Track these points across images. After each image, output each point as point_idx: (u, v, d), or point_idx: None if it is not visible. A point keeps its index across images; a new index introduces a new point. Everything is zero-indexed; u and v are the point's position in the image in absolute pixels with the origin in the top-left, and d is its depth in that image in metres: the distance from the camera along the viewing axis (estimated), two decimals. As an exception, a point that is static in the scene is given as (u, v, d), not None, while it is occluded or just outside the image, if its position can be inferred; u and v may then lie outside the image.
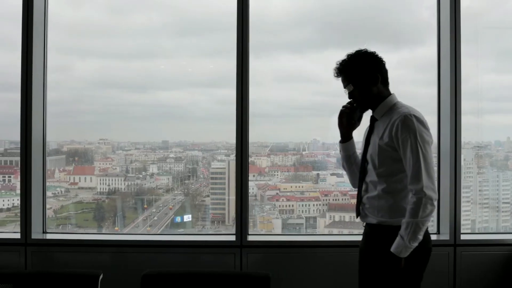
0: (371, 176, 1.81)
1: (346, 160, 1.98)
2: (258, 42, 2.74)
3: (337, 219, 3.17)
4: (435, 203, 1.67)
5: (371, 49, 1.85)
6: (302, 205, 3.20)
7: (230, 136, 3.30)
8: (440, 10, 2.81)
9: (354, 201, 3.18)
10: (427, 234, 1.77)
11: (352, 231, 3.13)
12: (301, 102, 3.20)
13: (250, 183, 3.11)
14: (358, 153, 1.99)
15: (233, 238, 2.68)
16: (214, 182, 3.30)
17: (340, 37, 3.14)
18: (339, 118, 1.92)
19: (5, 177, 3.24)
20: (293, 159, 3.34)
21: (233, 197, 3.23)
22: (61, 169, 3.23)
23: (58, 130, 2.93)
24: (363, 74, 1.79)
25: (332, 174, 3.31)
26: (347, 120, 1.91)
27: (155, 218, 3.22)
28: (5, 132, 3.30)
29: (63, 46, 2.98)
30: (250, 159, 2.81)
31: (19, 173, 3.09)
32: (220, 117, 3.20)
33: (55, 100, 2.89)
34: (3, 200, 3.18)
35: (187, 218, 3.24)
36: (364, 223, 1.89)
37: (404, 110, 1.74)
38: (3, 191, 3.21)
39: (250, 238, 2.69)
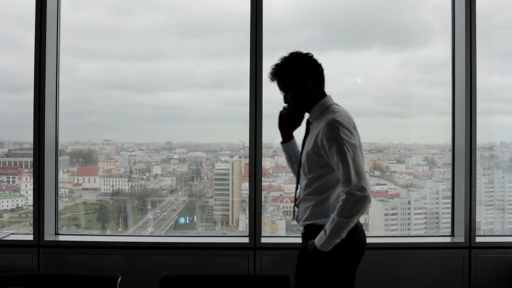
0: (303, 180, 1.84)
1: (288, 160, 2.01)
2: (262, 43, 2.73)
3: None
4: (366, 202, 1.65)
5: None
6: (306, 206, 3.19)
7: (234, 137, 3.31)
8: (455, 10, 2.81)
9: (358, 202, 3.20)
10: (359, 235, 1.78)
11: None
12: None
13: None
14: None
15: (246, 240, 2.68)
16: (218, 183, 3.29)
17: (342, 38, 3.14)
18: (279, 119, 1.95)
19: (9, 178, 3.25)
20: (297, 160, 3.32)
21: (237, 199, 3.23)
22: (65, 170, 3.23)
23: (62, 131, 2.93)
24: (293, 78, 1.80)
25: (336, 175, 3.29)
26: (287, 121, 1.93)
27: (162, 218, 3.22)
28: (9, 133, 3.32)
29: (67, 47, 2.99)
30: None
31: (23, 174, 3.09)
32: (225, 118, 3.21)
33: (60, 100, 2.89)
34: (7, 201, 3.19)
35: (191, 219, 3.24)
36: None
37: (330, 116, 1.73)
38: (7, 192, 3.22)
39: (263, 240, 2.68)
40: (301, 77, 1.79)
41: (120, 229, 3.15)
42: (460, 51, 2.76)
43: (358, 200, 1.63)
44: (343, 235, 1.66)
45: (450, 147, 2.93)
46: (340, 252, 1.70)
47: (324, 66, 1.86)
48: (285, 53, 1.86)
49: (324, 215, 1.73)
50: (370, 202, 1.69)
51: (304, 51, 1.83)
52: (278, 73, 1.82)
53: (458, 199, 2.74)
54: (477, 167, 2.74)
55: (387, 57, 3.15)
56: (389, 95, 3.22)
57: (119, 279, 1.58)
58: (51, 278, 1.65)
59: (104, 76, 3.21)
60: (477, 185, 2.83)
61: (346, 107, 1.88)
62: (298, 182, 1.89)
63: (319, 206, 1.76)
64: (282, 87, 1.84)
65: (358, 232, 1.78)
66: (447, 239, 2.82)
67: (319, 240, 1.68)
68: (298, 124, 1.94)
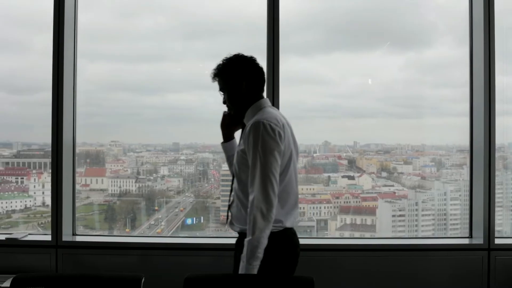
0: (235, 182, 1.81)
1: (227, 161, 2.01)
2: (265, 45, 2.73)
3: (348, 221, 3.15)
4: (268, 215, 1.60)
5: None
6: (313, 207, 3.19)
7: (240, 138, 3.31)
8: (473, 9, 2.79)
9: (366, 203, 3.20)
10: (295, 237, 1.78)
11: (363, 234, 3.11)
12: (311, 104, 3.20)
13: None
14: None
15: None
16: (225, 184, 3.29)
17: (347, 39, 3.14)
18: (222, 119, 1.96)
19: (17, 178, 3.28)
20: (304, 161, 3.32)
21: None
22: (73, 171, 3.25)
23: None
24: (230, 79, 1.81)
25: (343, 177, 3.29)
26: (229, 121, 1.94)
27: (169, 218, 3.22)
28: (17, 134, 3.35)
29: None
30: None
31: (31, 175, 3.11)
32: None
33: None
34: (16, 202, 3.21)
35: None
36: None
37: (258, 117, 1.71)
38: (16, 192, 3.25)
39: None
40: (237, 78, 1.80)
41: (127, 230, 3.16)
42: (478, 51, 2.73)
43: (259, 214, 1.60)
44: (260, 255, 1.61)
45: (458, 148, 2.92)
46: (276, 260, 1.69)
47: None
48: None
49: None
50: (270, 215, 1.61)
51: (248, 55, 1.85)
52: (218, 73, 1.83)
53: (477, 200, 2.71)
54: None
55: (391, 58, 3.14)
56: (394, 96, 3.22)
57: (143, 279, 1.57)
58: (74, 278, 1.63)
59: (110, 78, 3.23)
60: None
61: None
62: (232, 185, 1.86)
63: None
64: (220, 88, 1.85)
65: (294, 234, 1.80)
66: (465, 241, 2.79)
67: (241, 270, 1.64)
68: (239, 125, 1.93)
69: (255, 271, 1.62)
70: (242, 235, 1.77)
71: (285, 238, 1.74)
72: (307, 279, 1.57)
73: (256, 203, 1.60)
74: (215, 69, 1.84)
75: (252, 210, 1.60)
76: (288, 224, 1.76)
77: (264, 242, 1.61)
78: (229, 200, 1.88)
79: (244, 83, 1.80)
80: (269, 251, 1.65)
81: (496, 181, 2.69)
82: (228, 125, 1.95)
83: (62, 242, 2.68)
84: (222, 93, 1.86)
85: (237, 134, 1.99)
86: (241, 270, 1.64)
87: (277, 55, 2.67)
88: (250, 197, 1.63)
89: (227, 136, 1.97)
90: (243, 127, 1.85)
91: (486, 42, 2.65)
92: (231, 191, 1.86)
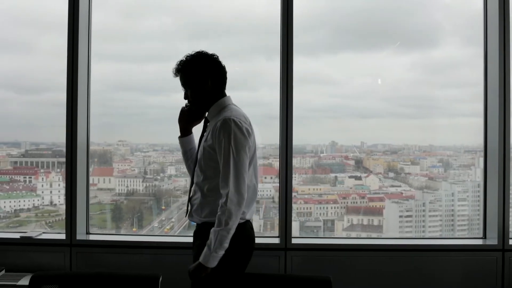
0: (198, 177, 1.87)
1: (183, 155, 2.06)
2: (271, 45, 2.74)
3: (355, 222, 3.15)
4: (240, 208, 1.69)
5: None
6: (320, 207, 3.19)
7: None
8: (487, 8, 2.77)
9: (373, 204, 3.20)
10: (252, 231, 1.86)
11: (370, 235, 3.10)
12: (318, 104, 3.20)
13: (267, 185, 3.10)
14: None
15: (277, 240, 2.66)
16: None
17: (353, 39, 3.14)
18: (179, 114, 2.01)
19: (26, 178, 3.29)
20: (310, 162, 3.32)
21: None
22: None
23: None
24: (195, 75, 1.85)
25: (350, 177, 3.29)
26: (188, 117, 1.98)
27: (176, 218, 3.22)
28: (25, 133, 3.36)
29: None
30: (267, 161, 2.78)
31: (39, 174, 3.13)
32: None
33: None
34: (24, 201, 3.23)
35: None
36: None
37: (227, 114, 1.78)
38: (24, 191, 3.27)
39: (294, 241, 2.67)
40: (202, 76, 1.85)
41: (134, 229, 3.17)
42: (492, 50, 2.71)
43: (233, 206, 1.67)
44: (226, 245, 1.69)
45: (466, 148, 2.91)
46: (233, 250, 1.74)
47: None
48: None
49: None
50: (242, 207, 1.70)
51: (210, 52, 1.89)
52: (182, 69, 1.87)
53: (491, 201, 2.70)
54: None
55: (398, 58, 3.14)
56: (401, 96, 3.22)
57: (161, 278, 1.58)
58: (93, 277, 1.64)
59: (117, 78, 3.24)
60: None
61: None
62: (192, 178, 1.92)
63: (216, 203, 1.75)
64: (183, 83, 1.90)
65: (252, 228, 1.88)
66: (479, 242, 2.77)
67: (204, 257, 1.69)
68: (197, 121, 2.00)
69: (217, 261, 1.68)
70: (200, 226, 1.85)
71: (244, 231, 1.82)
72: (324, 278, 1.58)
73: (231, 196, 1.67)
74: (178, 65, 1.88)
75: (227, 203, 1.67)
76: (248, 216, 1.85)
77: (232, 232, 1.69)
78: (189, 193, 1.94)
79: (210, 81, 1.85)
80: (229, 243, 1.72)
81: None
82: (187, 120, 2.00)
83: (76, 241, 2.69)
84: (184, 89, 1.90)
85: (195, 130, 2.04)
86: (204, 258, 1.69)
87: (290, 55, 2.67)
88: (224, 191, 1.69)
89: (185, 131, 2.03)
90: (205, 122, 1.92)
91: (501, 41, 2.64)
92: (191, 184, 1.92)
